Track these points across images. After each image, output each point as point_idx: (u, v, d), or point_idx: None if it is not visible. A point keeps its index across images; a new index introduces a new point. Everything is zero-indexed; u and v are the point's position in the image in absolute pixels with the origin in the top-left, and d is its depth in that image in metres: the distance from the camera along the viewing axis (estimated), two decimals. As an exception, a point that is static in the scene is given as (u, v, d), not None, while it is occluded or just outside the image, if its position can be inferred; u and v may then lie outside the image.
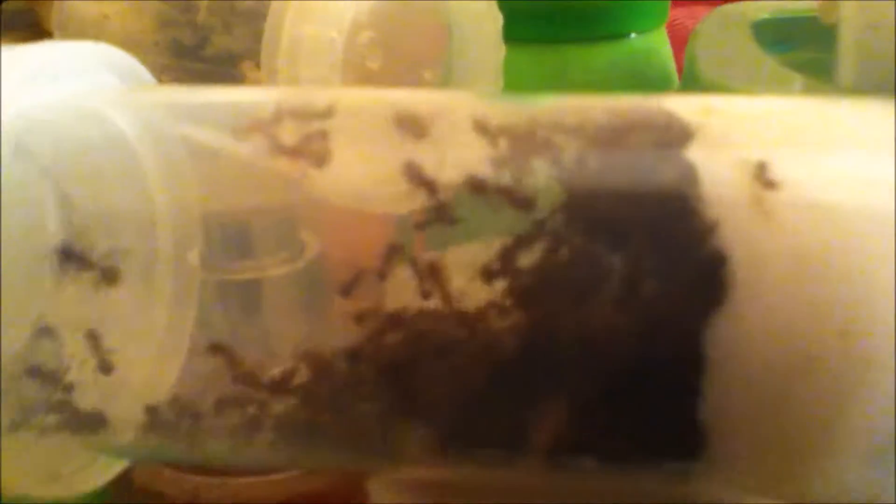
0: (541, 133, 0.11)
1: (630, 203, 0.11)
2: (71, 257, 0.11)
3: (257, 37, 0.20)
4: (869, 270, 0.10)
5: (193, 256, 0.12)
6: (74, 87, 0.13)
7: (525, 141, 0.11)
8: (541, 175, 0.11)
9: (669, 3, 0.27)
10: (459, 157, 0.11)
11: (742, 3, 0.25)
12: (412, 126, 0.11)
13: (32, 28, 0.33)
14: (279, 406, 0.11)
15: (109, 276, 0.11)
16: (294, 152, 0.11)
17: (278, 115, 0.12)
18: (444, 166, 0.11)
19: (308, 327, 0.11)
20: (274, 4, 0.19)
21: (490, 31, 0.23)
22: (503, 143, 0.11)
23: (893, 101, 0.11)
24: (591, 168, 0.11)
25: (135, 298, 0.12)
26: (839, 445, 0.10)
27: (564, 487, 0.12)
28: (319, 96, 0.12)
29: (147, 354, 0.12)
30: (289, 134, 0.11)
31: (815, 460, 0.10)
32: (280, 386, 0.11)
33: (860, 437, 0.10)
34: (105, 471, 0.13)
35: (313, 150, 0.11)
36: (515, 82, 0.24)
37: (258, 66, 0.20)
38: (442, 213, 0.11)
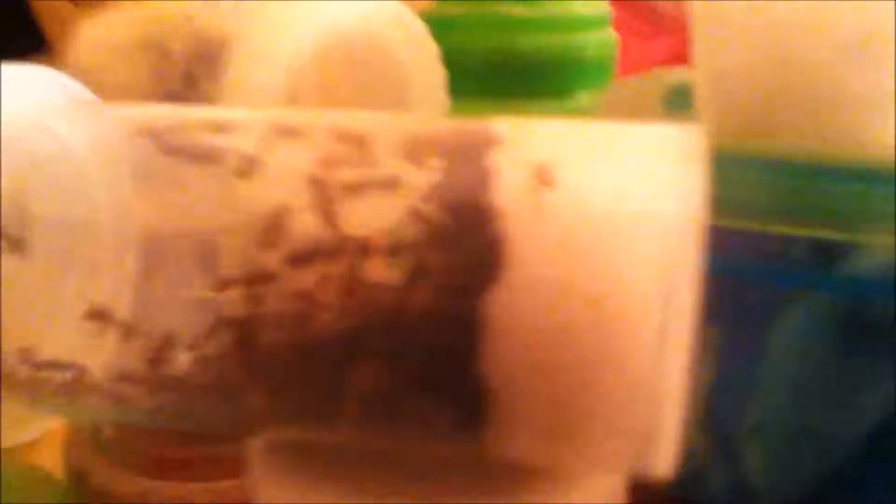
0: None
1: (444, 198, 0.13)
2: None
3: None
4: (611, 248, 0.12)
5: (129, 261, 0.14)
6: (24, 102, 0.15)
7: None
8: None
9: (615, 62, 0.29)
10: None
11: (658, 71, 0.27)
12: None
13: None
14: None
15: (18, 246, 0.14)
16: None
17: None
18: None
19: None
20: (231, 50, 0.22)
21: (434, 85, 0.25)
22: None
23: (692, 126, 0.13)
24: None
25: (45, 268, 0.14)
26: (600, 408, 0.12)
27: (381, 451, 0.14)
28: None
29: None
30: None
31: (580, 423, 0.12)
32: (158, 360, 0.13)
33: (617, 402, 0.12)
34: (42, 423, 0.15)
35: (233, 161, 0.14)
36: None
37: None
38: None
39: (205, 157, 0.14)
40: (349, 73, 0.23)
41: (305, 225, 0.13)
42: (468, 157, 0.13)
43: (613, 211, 0.12)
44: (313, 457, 0.15)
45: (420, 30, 0.25)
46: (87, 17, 0.32)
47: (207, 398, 0.13)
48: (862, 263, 0.17)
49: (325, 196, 0.13)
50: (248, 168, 0.13)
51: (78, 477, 0.26)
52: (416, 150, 0.13)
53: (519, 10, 0.28)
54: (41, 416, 0.15)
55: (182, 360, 0.13)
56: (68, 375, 0.14)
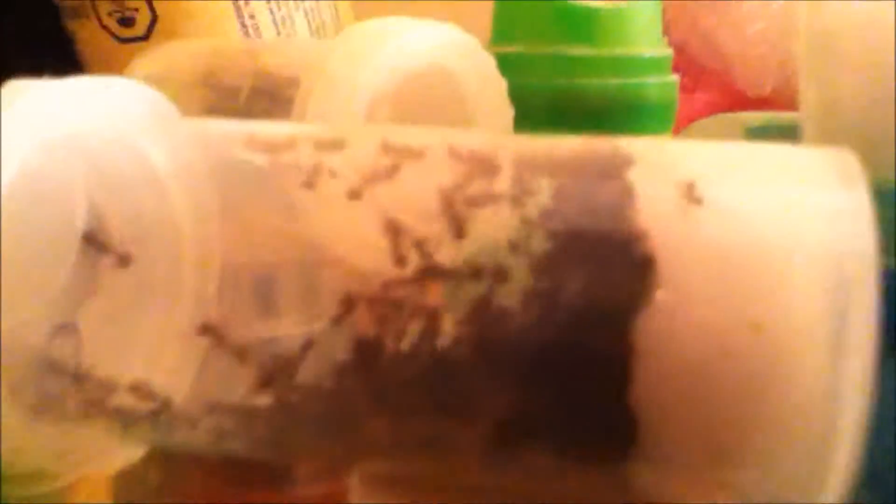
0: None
1: (580, 217, 0.12)
2: (92, 242, 0.13)
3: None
4: (775, 270, 0.11)
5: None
6: (110, 114, 0.15)
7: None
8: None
9: (675, 110, 0.29)
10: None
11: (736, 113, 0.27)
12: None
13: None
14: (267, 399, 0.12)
15: (126, 260, 0.13)
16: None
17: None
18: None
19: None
20: (305, 79, 0.22)
21: (502, 120, 0.25)
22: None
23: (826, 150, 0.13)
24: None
25: (158, 297, 0.13)
26: (759, 437, 0.11)
27: (510, 484, 0.13)
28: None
29: (166, 353, 0.13)
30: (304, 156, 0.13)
31: (738, 453, 0.11)
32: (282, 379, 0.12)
33: (779, 431, 0.11)
34: (128, 453, 0.14)
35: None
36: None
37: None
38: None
39: (311, 176, 0.13)
40: (419, 105, 0.23)
41: (432, 244, 0.12)
42: (604, 176, 0.12)
43: (775, 232, 0.11)
44: (420, 492, 0.14)
45: (490, 64, 0.24)
46: (129, 54, 0.32)
47: (321, 426, 0.13)
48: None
49: (454, 214, 0.12)
50: (361, 188, 0.13)
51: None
52: (543, 169, 0.13)
53: (582, 51, 0.27)
54: (127, 447, 0.14)
55: (296, 386, 0.12)
56: (157, 404, 0.13)
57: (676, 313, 0.11)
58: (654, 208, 0.12)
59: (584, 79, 0.27)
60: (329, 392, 0.12)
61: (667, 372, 0.11)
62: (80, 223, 0.13)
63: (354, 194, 0.13)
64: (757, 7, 0.38)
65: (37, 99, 0.13)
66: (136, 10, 0.33)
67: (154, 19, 0.33)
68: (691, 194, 0.12)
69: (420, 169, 0.13)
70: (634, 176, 0.12)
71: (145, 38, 0.33)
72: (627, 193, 0.12)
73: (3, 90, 0.13)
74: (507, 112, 0.25)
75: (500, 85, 0.25)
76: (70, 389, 0.13)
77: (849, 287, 0.11)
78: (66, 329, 0.13)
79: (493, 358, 0.11)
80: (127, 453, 0.14)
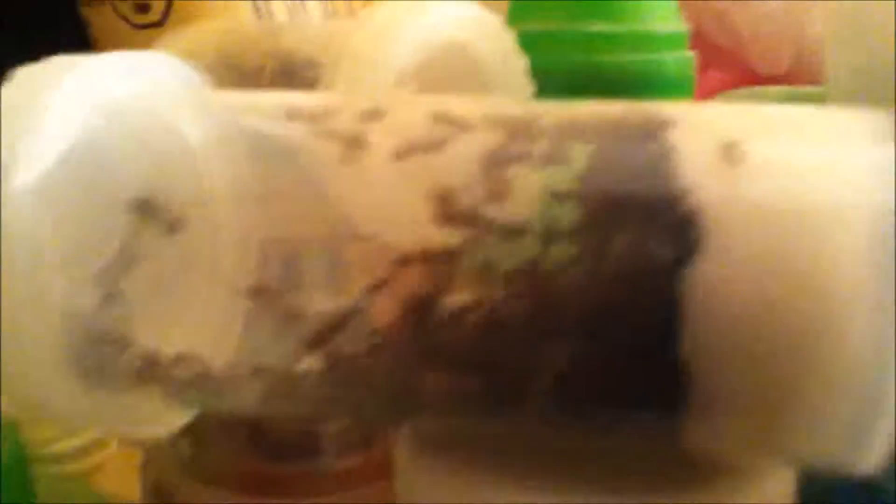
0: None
1: (622, 175, 0.12)
2: (145, 208, 0.13)
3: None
4: (818, 227, 0.11)
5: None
6: (153, 87, 0.15)
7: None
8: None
9: (693, 85, 0.29)
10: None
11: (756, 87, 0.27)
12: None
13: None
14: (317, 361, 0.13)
15: (177, 226, 0.13)
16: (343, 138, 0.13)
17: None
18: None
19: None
20: (331, 56, 0.22)
21: (522, 97, 0.25)
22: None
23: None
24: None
25: (200, 264, 0.13)
26: (807, 393, 0.11)
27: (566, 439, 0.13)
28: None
29: (210, 320, 0.13)
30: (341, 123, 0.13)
31: (791, 410, 0.11)
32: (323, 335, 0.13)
33: (826, 388, 0.11)
34: (179, 417, 0.15)
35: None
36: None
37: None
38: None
39: (353, 142, 0.13)
40: (441, 81, 0.23)
41: (476, 202, 0.12)
42: (645, 137, 0.13)
43: (818, 188, 0.11)
44: (469, 452, 0.14)
45: (510, 42, 0.24)
46: (146, 41, 0.32)
47: (372, 385, 0.13)
48: None
49: (497, 177, 0.12)
50: (404, 154, 0.13)
51: (162, 493, 0.25)
52: (584, 133, 0.13)
53: (600, 28, 0.28)
54: (175, 412, 0.15)
55: (344, 348, 0.13)
56: (201, 369, 0.13)
57: (722, 269, 0.11)
58: (697, 166, 0.12)
59: (603, 55, 0.28)
60: (378, 352, 0.12)
61: (715, 327, 0.11)
62: (128, 192, 0.13)
63: (398, 158, 0.13)
64: (770, -15, 0.38)
65: (86, 72, 0.13)
66: (152, -5, 0.33)
67: (169, 5, 0.33)
68: (733, 153, 0.12)
69: (462, 137, 0.13)
70: (675, 137, 0.12)
71: (160, 23, 0.33)
72: (669, 153, 0.12)
73: (50, 65, 0.13)
74: (527, 89, 0.25)
75: (520, 62, 0.25)
76: (120, 357, 0.13)
77: (892, 243, 0.11)
78: (113, 297, 0.14)
79: (545, 315, 0.12)
80: (175, 417, 0.15)
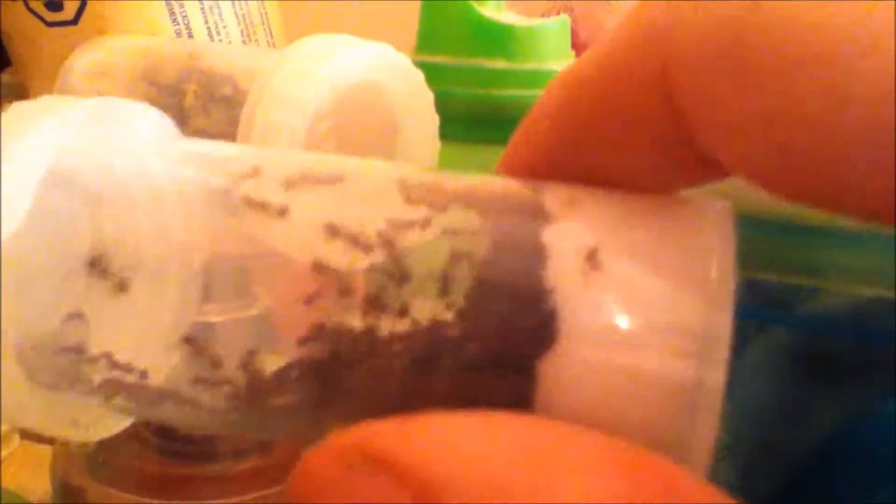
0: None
1: (501, 267, 0.15)
2: (96, 268, 0.15)
3: (231, 121, 0.24)
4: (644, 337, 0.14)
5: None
6: (118, 131, 0.16)
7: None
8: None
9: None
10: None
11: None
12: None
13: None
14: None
15: (122, 287, 0.15)
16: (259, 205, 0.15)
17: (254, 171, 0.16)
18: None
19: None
20: (252, 93, 0.24)
21: (428, 129, 0.27)
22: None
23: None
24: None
25: (145, 303, 0.15)
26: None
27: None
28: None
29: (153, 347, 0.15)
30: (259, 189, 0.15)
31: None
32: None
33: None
34: (115, 424, 0.17)
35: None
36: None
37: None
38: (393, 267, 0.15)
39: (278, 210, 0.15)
40: (355, 116, 0.25)
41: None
42: (525, 233, 0.15)
43: (647, 303, 0.14)
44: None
45: (419, 79, 0.27)
46: (58, 39, 0.32)
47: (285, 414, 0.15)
48: (820, 305, 0.20)
49: (391, 242, 0.15)
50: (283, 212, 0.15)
51: (71, 494, 0.26)
52: (473, 203, 0.15)
53: (500, 65, 0.30)
54: (116, 417, 0.17)
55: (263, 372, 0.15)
56: (135, 378, 0.15)
57: (574, 360, 0.14)
58: (562, 269, 0.15)
59: (501, 90, 0.30)
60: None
61: (565, 411, 0.14)
62: (84, 250, 0.15)
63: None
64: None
65: (40, 128, 0.14)
66: (65, -8, 0.33)
67: (83, 4, 0.33)
68: (593, 260, 0.15)
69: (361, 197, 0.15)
70: (548, 237, 0.15)
71: (74, 22, 0.33)
72: (541, 254, 0.15)
73: (3, 116, 0.15)
74: (433, 122, 0.27)
75: (428, 97, 0.27)
76: (74, 367, 0.15)
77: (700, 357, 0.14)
78: (75, 317, 0.15)
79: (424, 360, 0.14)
80: (118, 422, 0.16)
